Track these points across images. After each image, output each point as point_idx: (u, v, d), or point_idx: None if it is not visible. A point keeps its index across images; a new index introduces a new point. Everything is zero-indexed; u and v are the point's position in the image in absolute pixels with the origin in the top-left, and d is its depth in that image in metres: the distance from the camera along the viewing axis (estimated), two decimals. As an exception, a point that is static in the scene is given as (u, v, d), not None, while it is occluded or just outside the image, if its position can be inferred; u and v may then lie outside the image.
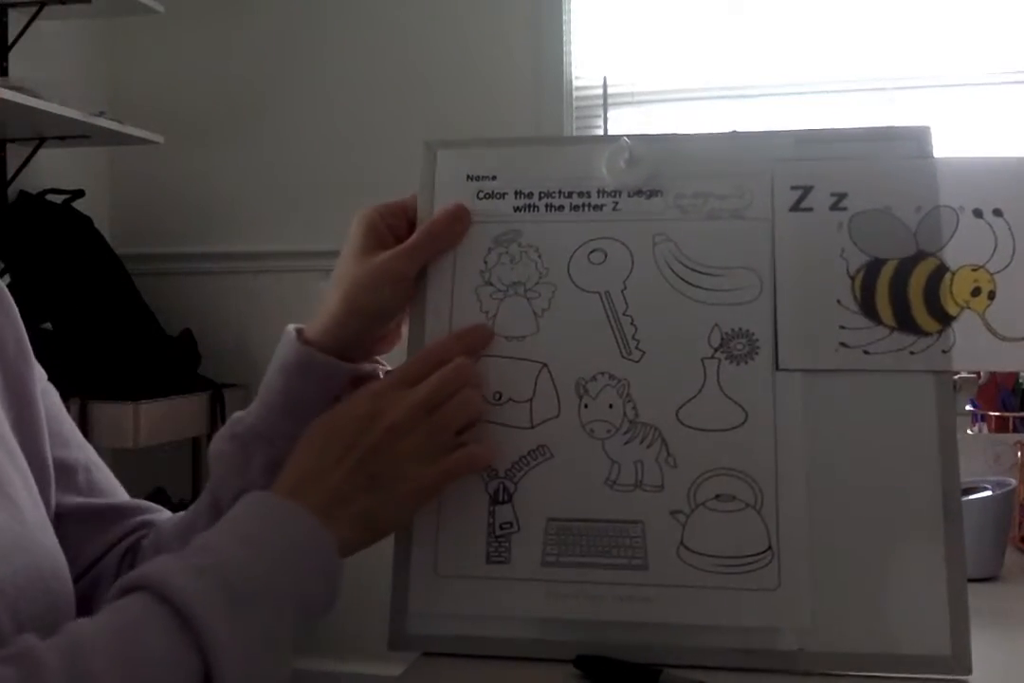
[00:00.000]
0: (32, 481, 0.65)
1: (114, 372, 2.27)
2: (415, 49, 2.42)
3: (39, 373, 0.72)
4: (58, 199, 2.39)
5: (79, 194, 2.41)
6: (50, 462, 0.69)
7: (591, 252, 0.75)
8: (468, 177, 0.78)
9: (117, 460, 2.59)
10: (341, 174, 2.41)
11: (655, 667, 0.65)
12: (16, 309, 0.70)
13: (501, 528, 0.71)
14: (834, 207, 0.73)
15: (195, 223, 2.54)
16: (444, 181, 0.78)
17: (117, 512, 0.76)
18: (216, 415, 2.41)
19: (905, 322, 0.71)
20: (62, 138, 2.27)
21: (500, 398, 0.73)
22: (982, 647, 0.65)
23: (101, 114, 2.22)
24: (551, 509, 0.70)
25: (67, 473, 0.72)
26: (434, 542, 0.71)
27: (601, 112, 2.41)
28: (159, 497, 2.37)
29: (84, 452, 0.76)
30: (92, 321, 2.33)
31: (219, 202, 2.53)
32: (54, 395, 0.74)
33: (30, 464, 0.66)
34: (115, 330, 2.36)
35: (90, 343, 2.30)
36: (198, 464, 2.46)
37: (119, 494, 0.78)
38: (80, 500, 0.73)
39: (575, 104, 2.48)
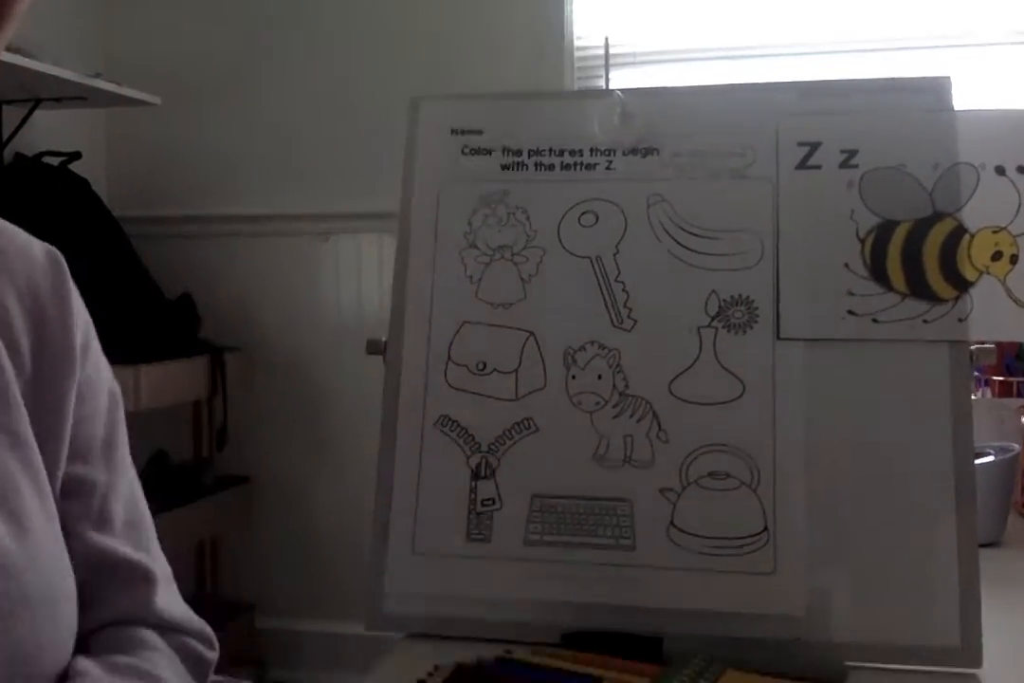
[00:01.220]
0: (48, 491, 0.56)
1: (113, 336, 2.23)
2: (414, 6, 2.36)
3: (91, 375, 0.60)
4: (55, 161, 2.34)
5: (76, 156, 2.36)
6: (60, 475, 0.57)
7: (582, 214, 0.71)
8: (452, 131, 0.73)
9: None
10: (341, 134, 2.35)
11: (654, 637, 0.61)
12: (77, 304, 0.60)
13: (483, 504, 0.67)
14: (844, 165, 0.68)
15: (193, 185, 2.49)
16: (427, 135, 0.73)
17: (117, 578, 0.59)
18: (216, 378, 2.37)
19: (919, 288, 0.66)
20: (58, 99, 2.22)
21: (484, 368, 0.69)
22: (984, 613, 0.61)
23: (97, 75, 2.17)
24: (535, 485, 0.67)
25: (83, 494, 0.59)
26: (412, 518, 0.67)
27: (603, 73, 2.34)
28: (160, 459, 2.35)
29: (110, 475, 0.60)
30: (90, 284, 2.28)
31: (218, 164, 2.48)
32: (98, 399, 0.60)
33: (48, 474, 0.57)
34: (114, 293, 2.32)
35: (89, 306, 2.26)
36: (198, 427, 2.44)
37: (137, 539, 0.61)
38: (95, 539, 0.58)
39: (576, 64, 2.41)
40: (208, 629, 0.60)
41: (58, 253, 0.61)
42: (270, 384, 2.41)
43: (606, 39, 2.19)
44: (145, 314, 2.36)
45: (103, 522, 0.60)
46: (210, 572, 2.27)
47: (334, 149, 2.37)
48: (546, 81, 2.36)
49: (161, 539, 0.64)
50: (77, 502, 0.59)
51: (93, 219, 2.42)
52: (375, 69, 2.35)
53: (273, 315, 2.41)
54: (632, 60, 2.42)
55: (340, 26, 2.39)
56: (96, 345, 0.62)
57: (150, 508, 0.63)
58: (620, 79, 2.41)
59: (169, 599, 0.59)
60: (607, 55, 2.14)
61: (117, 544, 0.59)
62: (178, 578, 0.62)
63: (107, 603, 0.58)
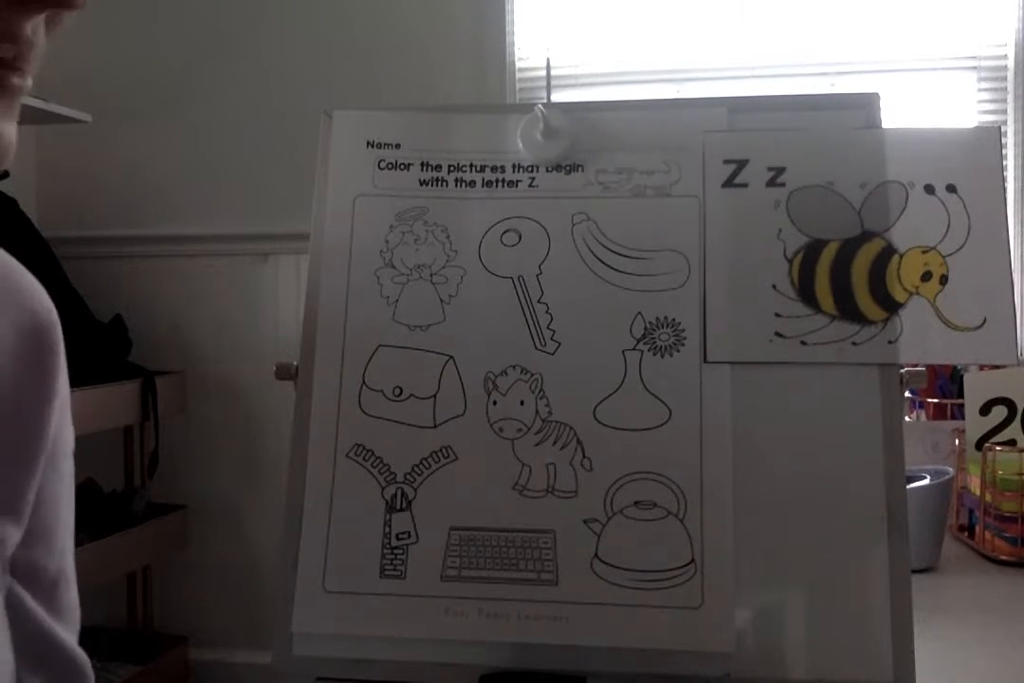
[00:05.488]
0: None
1: (40, 361, 2.18)
2: (352, 26, 2.33)
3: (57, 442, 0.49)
4: (-19, 179, 2.28)
5: (3, 175, 2.29)
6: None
7: (504, 233, 0.68)
8: (368, 143, 0.70)
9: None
10: (277, 155, 2.31)
11: (578, 676, 0.58)
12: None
13: (398, 538, 0.63)
14: (771, 183, 0.66)
15: (126, 205, 2.43)
16: (341, 147, 0.70)
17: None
18: (148, 403, 2.31)
19: (847, 310, 0.64)
20: (-16, 115, 2.16)
21: (401, 394, 0.66)
22: (918, 642, 0.59)
23: (24, 90, 2.12)
24: (454, 517, 0.63)
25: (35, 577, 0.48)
26: (322, 554, 0.63)
27: (545, 94, 2.33)
28: (89, 488, 2.27)
29: (59, 561, 0.49)
30: (17, 307, 2.22)
31: (151, 183, 2.42)
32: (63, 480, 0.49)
33: None
34: (42, 317, 2.26)
35: (15, 330, 2.20)
36: (129, 454, 2.36)
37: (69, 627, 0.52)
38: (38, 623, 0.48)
39: (518, 86, 2.41)
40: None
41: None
42: (204, 409, 2.35)
43: (547, 59, 2.19)
44: (73, 337, 2.28)
45: (55, 608, 0.49)
46: (141, 603, 2.19)
47: (273, 167, 2.33)
48: (488, 101, 2.34)
49: (91, 570, 0.57)
50: (28, 581, 0.47)
51: (21, 239, 2.35)
52: (314, 87, 2.32)
53: (208, 338, 2.35)
54: (575, 82, 2.42)
55: (278, 43, 2.35)
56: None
57: (78, 538, 0.54)
58: (562, 100, 2.40)
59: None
60: (548, 75, 2.14)
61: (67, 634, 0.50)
62: (109, 609, 0.54)
63: None
